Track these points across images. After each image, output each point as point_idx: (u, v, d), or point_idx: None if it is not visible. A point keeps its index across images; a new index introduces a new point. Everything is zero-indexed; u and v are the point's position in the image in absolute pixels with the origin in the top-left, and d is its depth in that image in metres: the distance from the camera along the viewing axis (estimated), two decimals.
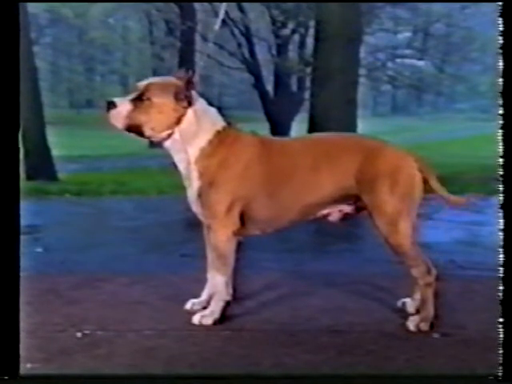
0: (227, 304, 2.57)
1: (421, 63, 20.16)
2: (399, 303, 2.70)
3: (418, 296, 2.55)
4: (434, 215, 4.99)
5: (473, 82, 20.58)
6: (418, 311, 2.54)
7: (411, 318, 2.49)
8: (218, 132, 2.48)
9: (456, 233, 4.63)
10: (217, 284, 2.56)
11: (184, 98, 2.41)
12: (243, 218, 2.50)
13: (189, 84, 2.41)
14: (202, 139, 2.47)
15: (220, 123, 2.51)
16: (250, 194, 2.47)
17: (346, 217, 2.59)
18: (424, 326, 2.45)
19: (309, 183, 2.48)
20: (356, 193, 2.48)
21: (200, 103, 2.49)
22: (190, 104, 2.43)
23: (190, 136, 2.46)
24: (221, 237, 2.49)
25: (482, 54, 17.95)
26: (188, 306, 2.69)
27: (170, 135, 2.46)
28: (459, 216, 5.15)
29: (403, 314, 2.60)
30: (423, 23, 16.17)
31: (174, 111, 2.42)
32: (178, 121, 2.43)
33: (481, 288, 2.99)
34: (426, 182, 2.48)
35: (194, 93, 2.45)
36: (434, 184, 2.48)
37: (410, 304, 2.64)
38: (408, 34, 17.49)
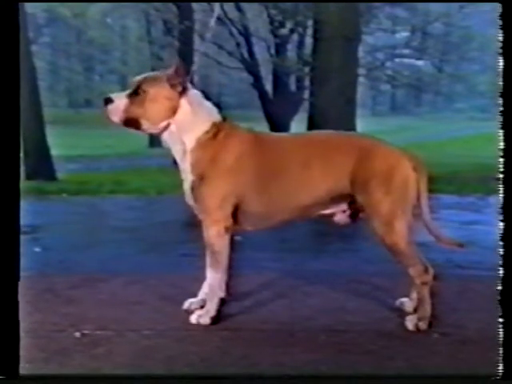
0: (223, 301, 2.57)
1: (419, 63, 20.16)
2: (397, 303, 2.70)
3: (415, 295, 2.56)
4: (434, 215, 4.98)
5: (472, 82, 20.55)
6: (416, 310, 2.55)
7: (409, 318, 2.49)
8: (214, 124, 2.50)
9: (455, 233, 4.62)
10: (210, 280, 2.56)
11: (178, 84, 2.44)
12: (236, 213, 2.50)
13: (178, 70, 2.43)
14: (199, 129, 2.49)
15: (216, 116, 2.53)
16: (241, 189, 2.47)
17: (353, 218, 2.58)
18: (422, 325, 2.45)
19: (301, 181, 2.47)
20: (350, 192, 2.47)
21: (195, 94, 2.52)
22: (184, 90, 2.46)
23: (186, 126, 2.48)
24: (212, 232, 2.49)
25: (481, 53, 17.92)
26: (186, 305, 2.69)
27: (166, 127, 2.48)
28: (458, 216, 5.16)
29: (402, 313, 2.61)
30: (422, 23, 16.14)
31: (168, 100, 2.44)
32: (174, 111, 2.46)
33: (480, 287, 2.99)
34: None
35: (187, 81, 2.47)
36: (423, 188, 2.46)
37: (409, 303, 2.64)
38: (406, 34, 17.44)
